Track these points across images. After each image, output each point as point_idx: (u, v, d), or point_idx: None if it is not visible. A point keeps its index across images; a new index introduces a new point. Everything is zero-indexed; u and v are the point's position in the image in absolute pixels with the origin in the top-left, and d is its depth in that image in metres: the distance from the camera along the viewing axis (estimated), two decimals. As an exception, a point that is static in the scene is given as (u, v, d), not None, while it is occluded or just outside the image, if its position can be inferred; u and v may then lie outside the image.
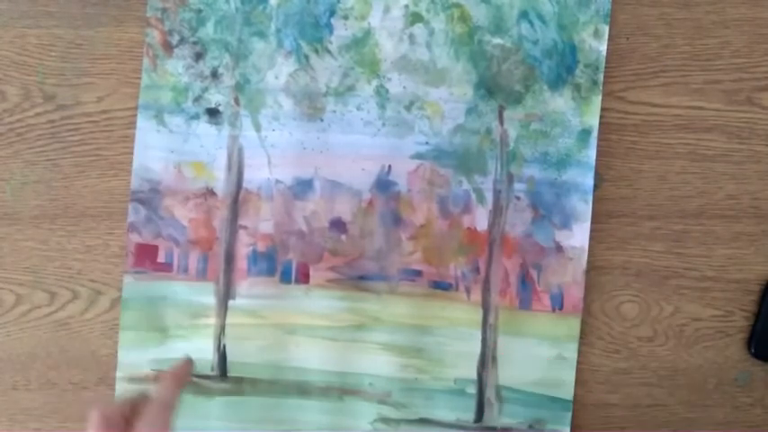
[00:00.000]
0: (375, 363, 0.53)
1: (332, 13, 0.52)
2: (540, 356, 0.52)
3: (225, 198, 0.53)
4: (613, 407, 0.53)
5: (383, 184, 0.53)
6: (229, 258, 0.53)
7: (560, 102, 0.52)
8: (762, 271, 0.53)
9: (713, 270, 0.53)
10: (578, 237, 0.52)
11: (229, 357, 0.53)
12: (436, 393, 0.53)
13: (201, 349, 0.52)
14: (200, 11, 0.53)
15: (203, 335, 0.53)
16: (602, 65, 0.52)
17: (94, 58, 0.53)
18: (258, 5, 0.52)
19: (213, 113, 0.53)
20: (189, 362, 0.48)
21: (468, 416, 0.53)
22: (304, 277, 0.53)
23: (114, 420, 0.41)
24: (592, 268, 0.53)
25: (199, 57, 0.53)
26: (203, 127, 0.53)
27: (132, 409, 0.42)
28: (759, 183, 0.53)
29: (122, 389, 0.53)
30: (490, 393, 0.52)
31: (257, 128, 0.53)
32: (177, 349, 0.53)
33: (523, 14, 0.52)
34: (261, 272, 0.53)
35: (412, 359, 0.53)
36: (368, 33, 0.53)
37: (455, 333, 0.53)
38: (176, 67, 0.53)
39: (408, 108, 0.52)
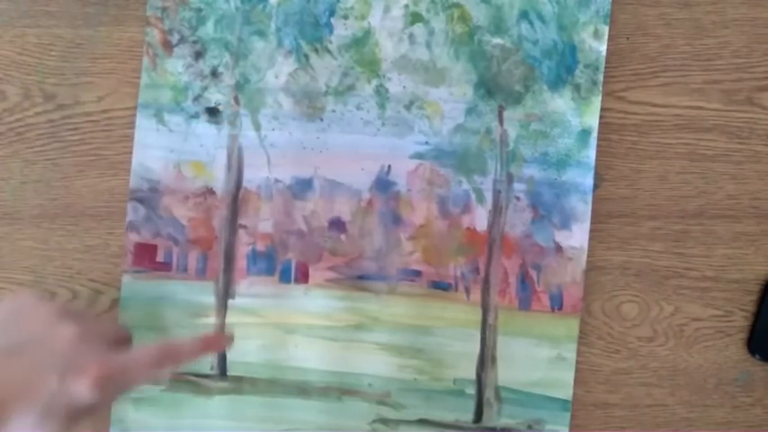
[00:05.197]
0: (374, 363, 0.52)
1: (332, 12, 0.52)
2: (540, 357, 0.52)
3: (224, 197, 0.53)
4: (613, 407, 0.53)
5: (383, 184, 0.53)
6: (229, 258, 0.53)
7: (560, 102, 0.52)
8: (762, 271, 0.53)
9: (713, 270, 0.53)
10: (578, 237, 0.52)
11: (229, 356, 0.53)
12: (435, 394, 0.53)
13: (201, 349, 0.53)
14: (200, 10, 0.53)
15: (202, 334, 0.53)
16: (602, 65, 0.52)
17: (94, 57, 0.53)
18: (258, 4, 0.52)
19: (213, 113, 0.53)
20: (228, 338, 0.47)
21: (468, 416, 0.52)
22: (303, 277, 0.53)
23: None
24: (591, 268, 0.53)
25: (199, 56, 0.53)
26: (203, 126, 0.53)
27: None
28: (759, 183, 0.53)
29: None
30: (489, 394, 0.52)
31: (257, 127, 0.53)
32: (176, 349, 0.53)
33: (523, 14, 0.52)
34: (260, 271, 0.53)
35: (411, 359, 0.53)
36: (368, 33, 0.53)
37: (454, 333, 0.52)
38: (176, 67, 0.53)
39: (408, 108, 0.53)
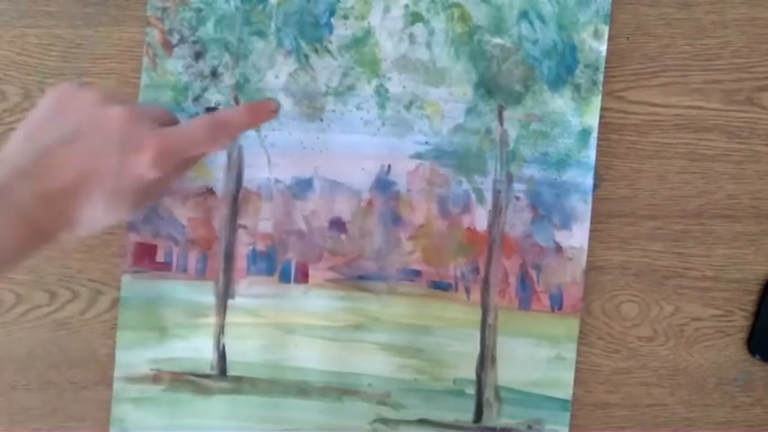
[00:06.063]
0: (374, 363, 0.52)
1: (332, 12, 0.52)
2: (540, 357, 0.52)
3: (224, 197, 0.53)
4: (613, 407, 0.53)
5: (383, 184, 0.53)
6: (229, 257, 0.53)
7: (560, 102, 0.52)
8: (762, 271, 0.53)
9: (713, 270, 0.53)
10: (578, 237, 0.52)
11: (229, 356, 0.53)
12: (435, 394, 0.53)
13: (201, 348, 0.52)
14: (200, 10, 0.53)
15: (203, 334, 0.53)
16: (602, 65, 0.52)
17: (94, 57, 0.53)
18: (258, 5, 0.52)
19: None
20: (273, 104, 0.45)
21: (468, 416, 0.52)
22: (303, 277, 0.53)
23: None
24: (591, 268, 0.53)
25: (199, 56, 0.53)
26: (203, 126, 0.53)
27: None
28: (759, 183, 0.53)
29: (120, 389, 0.52)
30: (489, 394, 0.52)
31: (257, 127, 0.53)
32: (176, 349, 0.53)
33: (523, 14, 0.52)
34: (260, 271, 0.53)
35: (411, 359, 0.53)
36: (368, 33, 0.53)
37: (454, 333, 0.52)
38: (176, 67, 0.53)
39: (408, 108, 0.53)
